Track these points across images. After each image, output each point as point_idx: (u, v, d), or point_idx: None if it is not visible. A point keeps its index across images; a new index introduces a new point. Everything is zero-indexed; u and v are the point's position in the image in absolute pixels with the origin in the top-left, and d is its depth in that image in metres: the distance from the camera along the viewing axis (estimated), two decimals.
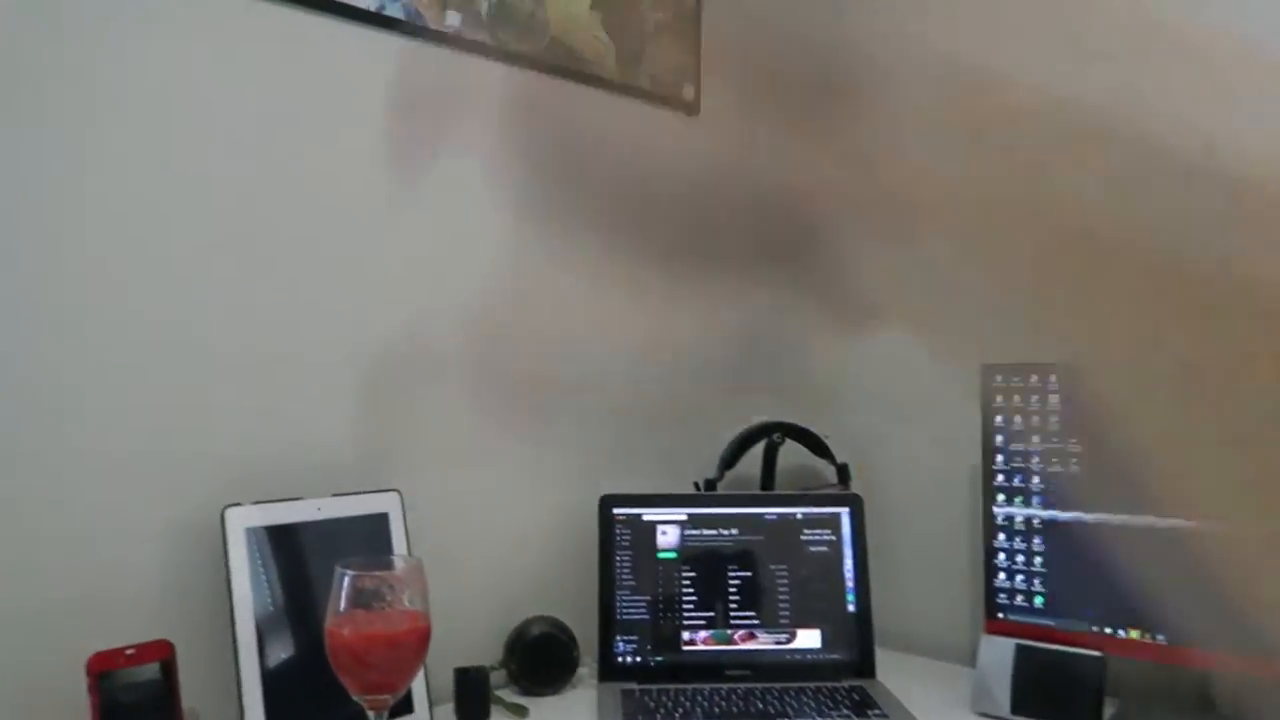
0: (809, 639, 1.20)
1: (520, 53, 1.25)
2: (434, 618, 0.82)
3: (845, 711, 1.07)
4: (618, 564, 1.19)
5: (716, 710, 1.07)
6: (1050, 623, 1.13)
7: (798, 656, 1.19)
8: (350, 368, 1.08)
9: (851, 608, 1.21)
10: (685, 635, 1.19)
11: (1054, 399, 1.12)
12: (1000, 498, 1.17)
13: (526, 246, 1.11)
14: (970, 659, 1.18)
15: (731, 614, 1.19)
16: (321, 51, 1.06)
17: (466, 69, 1.19)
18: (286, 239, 1.03)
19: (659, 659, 1.18)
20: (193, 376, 0.96)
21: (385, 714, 0.81)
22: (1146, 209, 0.22)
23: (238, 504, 0.93)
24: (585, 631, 1.19)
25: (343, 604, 0.79)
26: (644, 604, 1.19)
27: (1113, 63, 0.23)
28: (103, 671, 0.80)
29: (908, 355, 1.33)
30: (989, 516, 1.18)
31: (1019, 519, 1.15)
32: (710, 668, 1.17)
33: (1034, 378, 1.13)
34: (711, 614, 1.19)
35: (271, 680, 0.91)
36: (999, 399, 1.15)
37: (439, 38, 1.16)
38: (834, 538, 1.23)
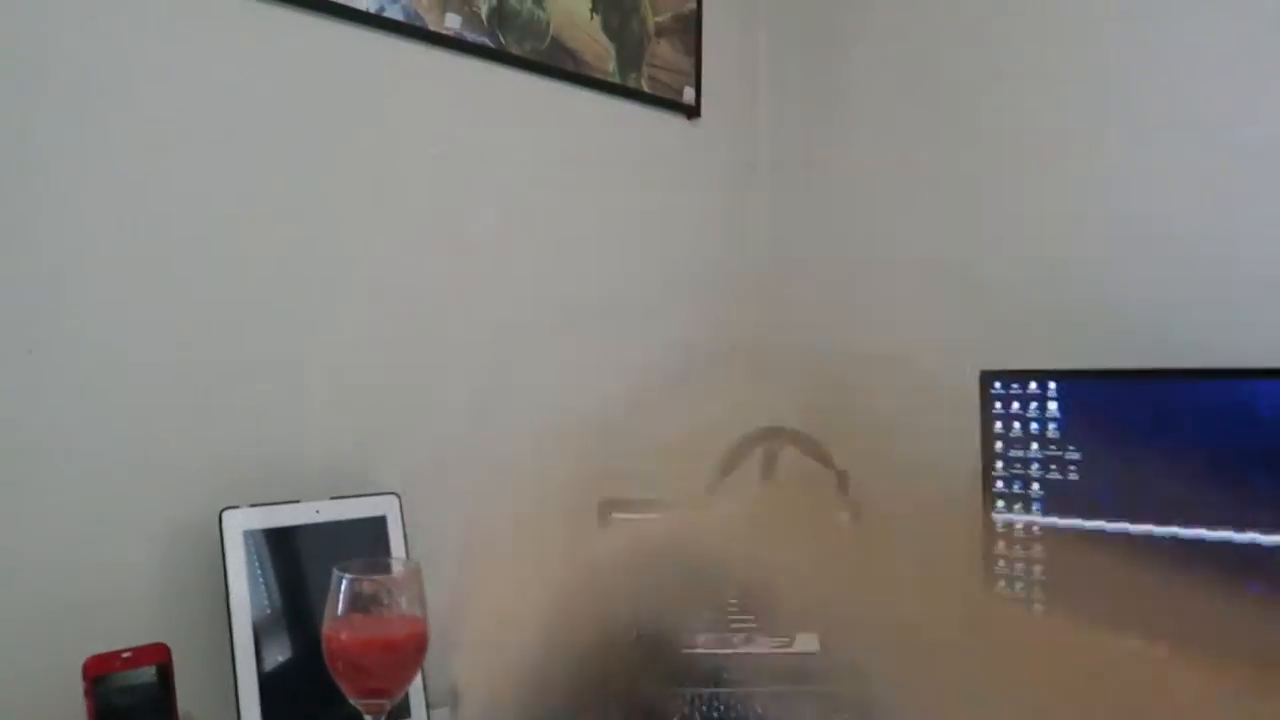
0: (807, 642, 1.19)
1: (520, 55, 1.25)
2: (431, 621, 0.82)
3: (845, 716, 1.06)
4: None
5: (715, 715, 1.07)
6: None
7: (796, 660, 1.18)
8: (350, 369, 1.08)
9: None
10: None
11: (1053, 406, 1.12)
12: (1000, 504, 1.17)
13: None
14: None
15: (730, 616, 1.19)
16: (321, 53, 1.05)
17: (466, 70, 1.19)
18: (285, 240, 1.03)
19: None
20: (190, 378, 0.95)
21: (383, 718, 0.81)
22: None
23: (235, 506, 0.92)
24: None
25: (340, 608, 0.78)
26: None
27: None
28: (99, 675, 0.79)
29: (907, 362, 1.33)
30: (988, 523, 1.17)
31: (1019, 526, 1.15)
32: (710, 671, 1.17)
33: (1032, 384, 1.13)
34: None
35: (268, 684, 0.91)
36: (997, 405, 1.16)
37: (439, 40, 1.15)
38: None
